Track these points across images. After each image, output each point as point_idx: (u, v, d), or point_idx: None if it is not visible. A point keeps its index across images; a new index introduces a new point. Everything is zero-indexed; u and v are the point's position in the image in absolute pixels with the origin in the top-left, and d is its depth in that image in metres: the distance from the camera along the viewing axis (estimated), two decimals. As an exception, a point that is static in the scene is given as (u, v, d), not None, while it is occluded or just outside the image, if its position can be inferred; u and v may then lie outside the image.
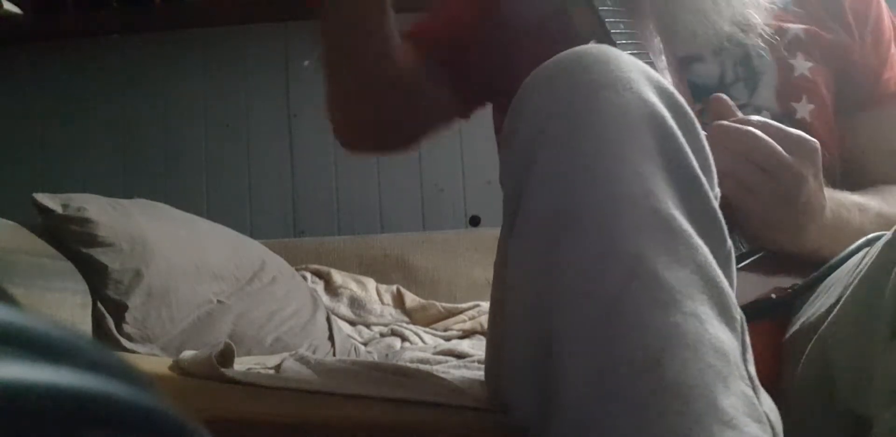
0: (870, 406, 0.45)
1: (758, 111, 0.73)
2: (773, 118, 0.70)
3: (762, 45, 0.74)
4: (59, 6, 1.94)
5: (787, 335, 0.60)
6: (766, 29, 0.73)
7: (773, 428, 0.43)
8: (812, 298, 0.61)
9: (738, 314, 0.46)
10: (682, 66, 0.74)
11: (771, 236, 0.63)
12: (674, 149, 0.46)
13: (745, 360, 0.44)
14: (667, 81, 0.50)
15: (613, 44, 0.65)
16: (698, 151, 0.48)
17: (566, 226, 0.45)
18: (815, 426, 0.54)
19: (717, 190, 0.49)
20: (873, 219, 0.68)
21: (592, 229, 0.44)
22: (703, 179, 0.47)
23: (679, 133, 0.47)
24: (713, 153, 0.56)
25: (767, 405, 0.44)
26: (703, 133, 0.49)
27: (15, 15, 1.91)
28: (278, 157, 2.02)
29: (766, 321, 0.61)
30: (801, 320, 0.59)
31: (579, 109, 0.47)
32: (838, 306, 0.52)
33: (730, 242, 0.49)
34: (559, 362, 0.43)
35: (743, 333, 0.46)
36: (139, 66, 2.05)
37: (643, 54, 0.66)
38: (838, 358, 0.50)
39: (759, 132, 0.59)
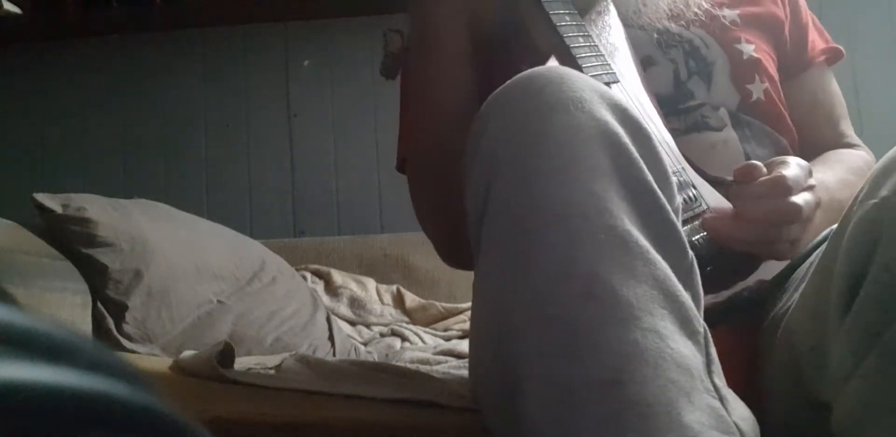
0: (828, 390, 0.46)
1: (716, 108, 0.74)
2: (734, 108, 0.74)
3: (706, 34, 0.76)
4: (59, 6, 1.94)
5: (761, 331, 0.61)
6: (703, 17, 0.75)
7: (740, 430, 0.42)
8: (781, 292, 0.62)
9: (702, 327, 0.45)
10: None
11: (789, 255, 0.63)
12: (628, 165, 0.46)
13: (710, 372, 0.44)
14: (621, 97, 0.50)
15: (574, 58, 0.64)
16: (655, 164, 0.48)
17: (522, 250, 0.45)
18: (789, 416, 0.54)
19: (678, 201, 0.50)
20: (837, 194, 0.69)
21: (547, 252, 0.44)
22: (660, 194, 0.47)
23: (633, 149, 0.47)
24: (756, 228, 0.57)
25: (739, 414, 0.43)
26: (659, 146, 0.49)
27: (15, 15, 1.91)
28: (278, 157, 2.02)
29: (744, 319, 0.62)
30: (771, 314, 0.60)
31: (531, 132, 0.47)
32: (797, 296, 0.52)
33: (691, 253, 0.48)
34: (521, 386, 0.42)
35: (707, 345, 0.45)
36: (139, 67, 2.05)
37: (604, 65, 0.66)
38: (800, 345, 0.51)
39: (798, 201, 0.58)
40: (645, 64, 0.74)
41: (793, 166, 0.60)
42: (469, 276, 1.64)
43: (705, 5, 0.76)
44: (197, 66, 2.05)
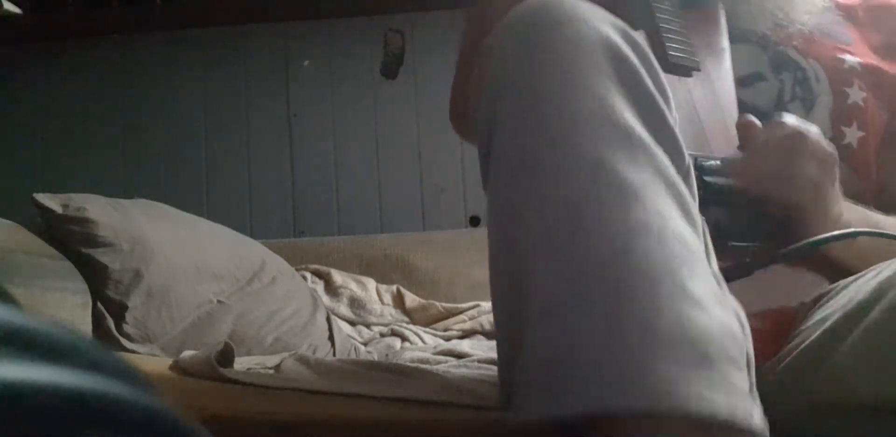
0: (823, 381, 0.46)
1: None
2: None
3: (821, 69, 0.78)
4: (59, 6, 1.94)
5: (797, 331, 0.61)
6: (819, 54, 0.78)
7: (740, 320, 0.45)
8: (825, 302, 0.62)
9: (699, 220, 0.48)
10: (743, 82, 0.78)
11: (820, 221, 0.66)
12: (629, 72, 0.49)
13: (708, 259, 0.47)
14: (623, 23, 0.53)
15: (660, 36, 0.68)
16: (654, 77, 0.50)
17: (531, 144, 0.47)
18: (790, 416, 0.55)
19: (675, 114, 0.52)
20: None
21: (556, 142, 0.46)
22: (660, 100, 0.50)
23: (634, 59, 0.50)
24: (770, 160, 0.62)
25: (732, 302, 0.46)
26: (657, 64, 0.52)
27: (15, 15, 1.91)
28: (278, 157, 2.03)
29: (767, 320, 0.62)
30: (815, 319, 0.60)
31: (536, 44, 0.50)
32: (856, 325, 0.53)
33: (688, 158, 0.51)
34: (528, 265, 0.44)
35: (706, 237, 0.48)
36: (139, 66, 2.05)
37: (689, 52, 0.69)
38: (864, 389, 0.51)
39: (801, 128, 0.65)
40: (754, 79, 0.78)
41: (794, 117, 0.66)
42: (468, 276, 1.64)
43: (826, 39, 0.78)
44: (197, 66, 2.05)
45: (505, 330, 0.50)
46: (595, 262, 0.42)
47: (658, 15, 0.69)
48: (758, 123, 0.67)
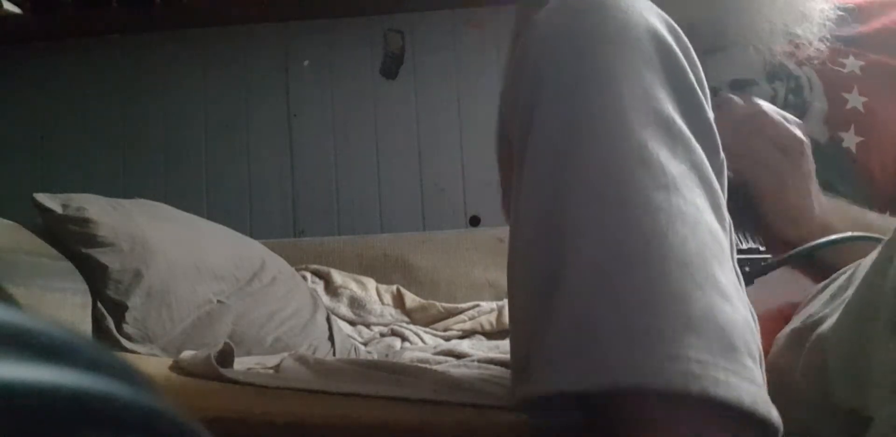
0: (868, 403, 0.45)
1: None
2: (820, 144, 0.76)
3: (816, 78, 0.78)
4: (59, 6, 1.94)
5: (788, 330, 0.60)
6: (818, 62, 0.78)
7: (753, 318, 0.46)
8: (812, 299, 0.61)
9: (728, 218, 0.49)
10: (735, 86, 0.78)
11: (782, 206, 0.67)
12: (674, 64, 0.49)
13: (732, 256, 0.48)
14: (669, 18, 0.53)
15: None
16: (695, 71, 0.51)
17: (578, 125, 0.48)
18: (812, 424, 0.54)
19: (712, 112, 0.53)
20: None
21: (601, 123, 0.47)
22: (700, 94, 0.50)
23: (678, 51, 0.50)
24: (731, 136, 0.61)
25: (748, 301, 0.47)
26: (698, 60, 0.52)
27: (15, 15, 1.91)
28: (278, 157, 2.03)
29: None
30: (802, 318, 0.60)
31: (585, 28, 0.50)
32: (842, 306, 0.52)
33: (722, 154, 0.52)
34: (571, 237, 0.45)
35: (731, 235, 0.49)
36: (139, 66, 2.05)
37: None
38: (837, 356, 0.51)
39: (768, 109, 0.65)
40: (747, 84, 0.78)
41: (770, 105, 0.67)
42: (468, 276, 1.64)
43: (823, 48, 0.77)
44: (197, 67, 2.05)
45: (528, 307, 0.49)
46: (638, 240, 0.43)
47: None
48: (738, 100, 0.67)
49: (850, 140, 0.77)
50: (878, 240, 0.59)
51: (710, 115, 0.51)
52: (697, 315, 0.40)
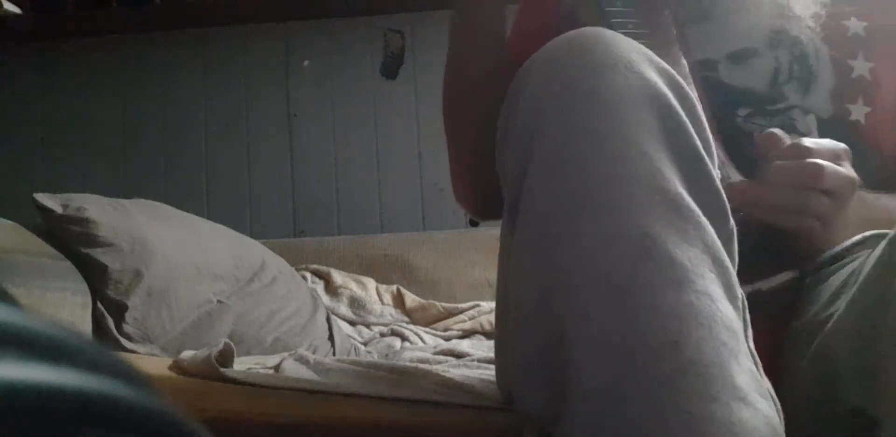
0: (877, 405, 0.45)
1: (805, 113, 0.72)
2: (824, 120, 0.71)
3: (822, 43, 0.72)
4: (59, 6, 1.94)
5: (789, 332, 0.60)
6: (818, 25, 0.72)
7: (775, 404, 0.43)
8: (813, 296, 0.61)
9: (740, 293, 0.46)
10: (735, 60, 0.73)
11: (824, 247, 0.63)
12: (677, 129, 0.46)
13: (746, 336, 0.45)
14: (668, 67, 0.49)
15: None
16: (700, 133, 0.47)
17: (573, 207, 0.44)
18: (817, 424, 0.54)
19: (718, 171, 0.49)
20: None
21: (600, 210, 0.43)
22: (707, 159, 0.47)
23: (682, 113, 0.46)
24: (777, 191, 0.58)
25: (766, 383, 0.44)
26: (703, 114, 0.49)
27: (15, 15, 1.91)
28: (278, 157, 2.03)
29: (761, 318, 0.61)
30: (804, 318, 0.59)
31: (580, 88, 0.46)
32: (844, 305, 0.52)
33: (732, 221, 0.49)
34: (571, 348, 0.42)
35: (744, 310, 0.46)
36: (139, 66, 2.05)
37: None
38: (843, 356, 0.50)
39: (819, 161, 0.59)
40: (746, 55, 0.73)
41: (815, 140, 0.60)
42: (468, 276, 1.64)
43: (821, 12, 0.72)
44: (197, 67, 2.05)
45: (535, 401, 0.47)
46: (645, 352, 0.40)
47: (613, 20, 0.66)
48: (785, 138, 0.61)
49: (859, 112, 0.72)
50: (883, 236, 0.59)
51: (717, 178, 0.47)
52: (715, 434, 0.38)
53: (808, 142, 0.59)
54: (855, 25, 0.74)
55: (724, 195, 0.48)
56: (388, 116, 2.02)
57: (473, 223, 1.96)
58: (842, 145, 0.62)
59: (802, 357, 0.55)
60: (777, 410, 0.43)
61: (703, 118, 0.49)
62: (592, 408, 0.40)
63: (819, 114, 0.72)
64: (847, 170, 0.60)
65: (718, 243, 0.44)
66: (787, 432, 0.43)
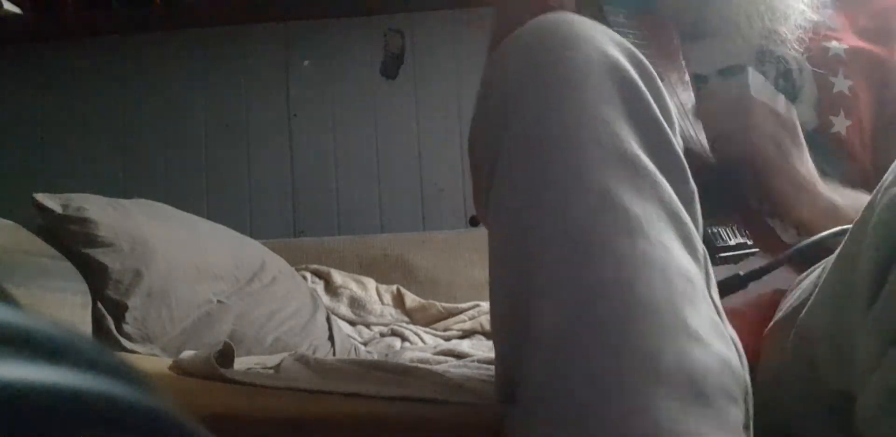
0: (852, 380, 0.46)
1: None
2: (810, 131, 0.77)
3: (804, 60, 0.79)
4: (59, 6, 1.94)
5: (772, 323, 0.61)
6: (804, 46, 0.79)
7: (738, 351, 0.46)
8: (794, 289, 0.62)
9: (701, 247, 0.49)
10: (725, 74, 0.79)
11: (793, 180, 0.69)
12: (635, 98, 0.50)
13: (709, 287, 0.47)
14: (630, 45, 0.53)
15: None
16: (659, 101, 0.51)
17: (538, 174, 0.48)
18: (802, 413, 0.54)
19: (680, 140, 0.53)
20: None
21: (564, 172, 0.47)
22: (664, 124, 0.50)
23: (640, 83, 0.50)
24: (726, 118, 0.66)
25: (730, 332, 0.47)
26: (664, 88, 0.53)
27: (15, 15, 1.91)
28: (278, 157, 2.03)
29: (742, 302, 0.63)
30: (784, 308, 0.60)
31: (545, 67, 0.50)
32: (816, 289, 0.52)
33: (692, 182, 0.52)
34: (533, 294, 0.45)
35: (707, 265, 0.49)
36: (139, 66, 2.05)
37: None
38: (818, 338, 0.51)
39: (755, 92, 0.68)
40: (735, 70, 0.79)
41: None
42: (468, 276, 1.64)
43: (804, 36, 0.79)
44: (197, 67, 2.05)
45: (505, 358, 0.50)
46: (599, 293, 0.43)
47: (615, 29, 0.68)
48: (724, 87, 0.70)
49: (841, 124, 0.78)
50: None
51: (678, 144, 0.51)
52: (666, 368, 0.40)
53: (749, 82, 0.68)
54: (835, 47, 0.80)
55: (684, 159, 0.51)
56: (388, 116, 2.02)
57: (473, 223, 1.96)
58: (785, 100, 0.70)
59: (787, 344, 0.56)
60: (740, 356, 0.45)
61: (664, 91, 0.52)
62: (548, 349, 0.43)
63: (804, 125, 0.77)
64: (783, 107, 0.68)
65: (676, 199, 0.48)
66: (775, 415, 0.44)
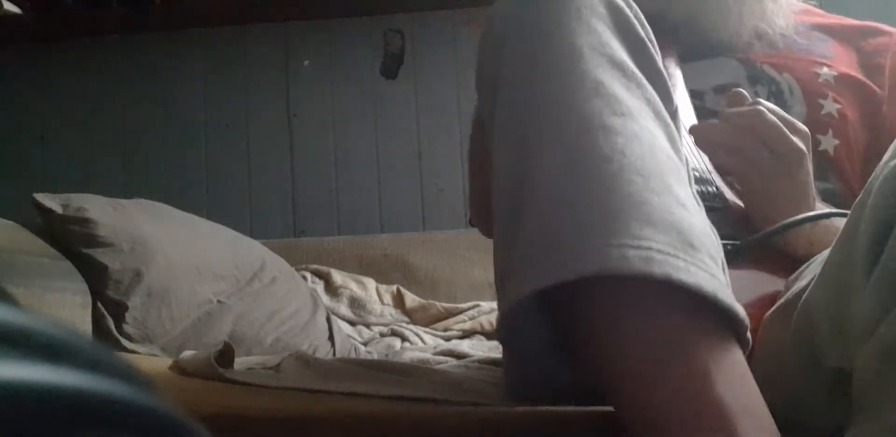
0: (851, 353, 0.46)
1: None
2: None
3: (795, 83, 0.83)
4: (59, 6, 1.94)
5: (774, 307, 0.61)
6: (797, 71, 0.83)
7: (712, 230, 0.48)
8: (793, 280, 0.62)
9: (684, 151, 0.52)
10: (719, 91, 0.83)
11: (769, 210, 0.69)
12: (623, 20, 0.54)
13: (690, 185, 0.50)
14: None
15: None
16: (644, 29, 0.55)
17: (540, 75, 0.52)
18: (804, 386, 0.54)
19: (661, 62, 0.57)
20: None
21: (562, 72, 0.51)
22: (651, 47, 0.54)
23: (630, 14, 0.55)
24: (719, 129, 0.68)
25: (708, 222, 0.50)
26: (645, 22, 0.57)
27: (15, 15, 1.91)
28: (278, 157, 2.03)
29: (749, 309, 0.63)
30: (787, 294, 0.60)
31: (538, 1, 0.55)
32: (819, 270, 0.53)
33: (675, 102, 0.56)
34: (537, 159, 0.48)
35: (687, 167, 0.52)
36: (139, 66, 2.05)
37: None
38: (819, 318, 0.51)
39: (765, 111, 0.67)
40: (727, 88, 0.81)
41: (775, 106, 0.69)
42: (468, 276, 1.64)
43: (799, 60, 0.83)
44: (197, 67, 2.05)
45: (502, 233, 0.53)
46: (596, 156, 0.46)
47: None
48: (748, 97, 0.71)
49: (829, 143, 0.81)
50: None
51: (661, 65, 0.55)
52: (656, 216, 0.43)
53: (766, 102, 0.68)
54: (825, 73, 0.85)
55: (668, 80, 0.55)
56: (388, 116, 2.02)
57: (473, 223, 1.96)
58: (803, 128, 0.69)
59: (788, 326, 0.56)
60: (714, 233, 0.49)
61: (646, 23, 0.56)
62: (547, 194, 0.46)
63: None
64: (794, 138, 0.68)
65: (660, 102, 0.52)
66: (776, 395, 0.44)
